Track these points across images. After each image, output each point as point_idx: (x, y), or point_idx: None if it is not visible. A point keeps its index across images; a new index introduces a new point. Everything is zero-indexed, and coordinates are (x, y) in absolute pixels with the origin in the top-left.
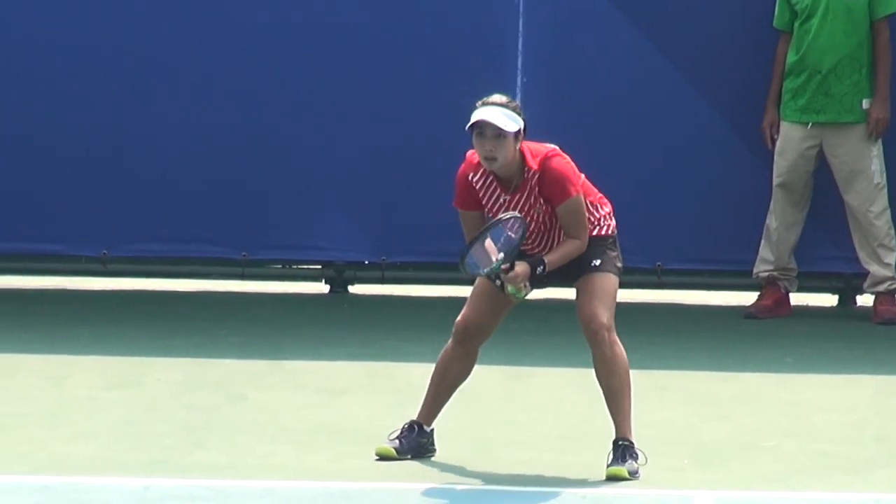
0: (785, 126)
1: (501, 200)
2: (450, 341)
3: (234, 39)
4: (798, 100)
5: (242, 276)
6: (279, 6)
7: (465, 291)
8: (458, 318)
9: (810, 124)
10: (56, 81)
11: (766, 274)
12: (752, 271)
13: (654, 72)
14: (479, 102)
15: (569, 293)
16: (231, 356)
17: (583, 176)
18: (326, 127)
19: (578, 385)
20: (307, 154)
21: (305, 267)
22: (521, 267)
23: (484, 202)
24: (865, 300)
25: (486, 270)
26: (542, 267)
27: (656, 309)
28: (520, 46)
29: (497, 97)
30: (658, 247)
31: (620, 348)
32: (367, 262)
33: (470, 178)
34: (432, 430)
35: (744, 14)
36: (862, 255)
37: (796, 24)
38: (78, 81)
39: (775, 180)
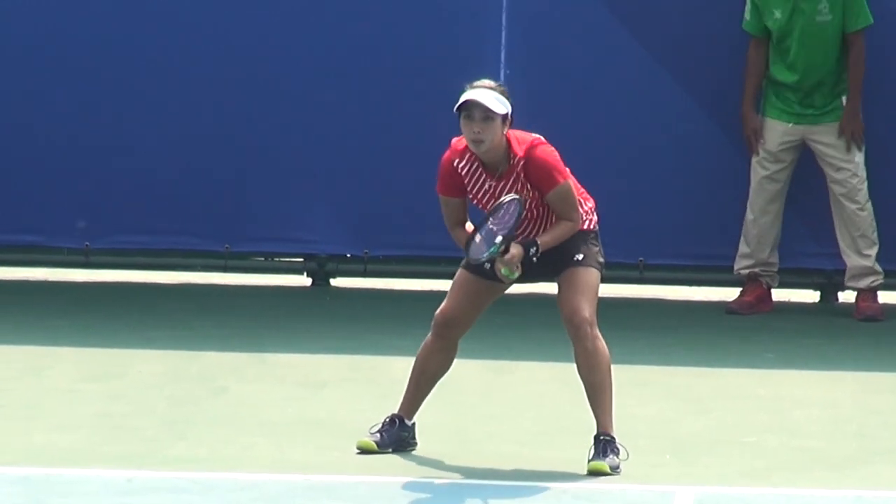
0: (767, 122)
1: (487, 186)
2: (430, 334)
3: (215, 33)
4: (780, 102)
5: (225, 269)
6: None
7: (447, 285)
8: (438, 310)
9: (792, 124)
10: (38, 74)
11: (748, 270)
12: (733, 267)
13: (638, 67)
14: (468, 86)
15: (549, 288)
16: (213, 349)
17: (567, 171)
18: (309, 120)
19: (560, 380)
20: (289, 147)
21: (287, 260)
22: (515, 249)
23: (469, 189)
24: (847, 297)
25: (485, 255)
26: (535, 248)
27: (638, 304)
28: (503, 39)
29: (486, 81)
30: (640, 242)
31: (602, 343)
32: (349, 255)
33: (455, 163)
34: (413, 423)
35: (727, 10)
36: (842, 245)
37: (772, 41)
38: (60, 74)
39: (758, 174)
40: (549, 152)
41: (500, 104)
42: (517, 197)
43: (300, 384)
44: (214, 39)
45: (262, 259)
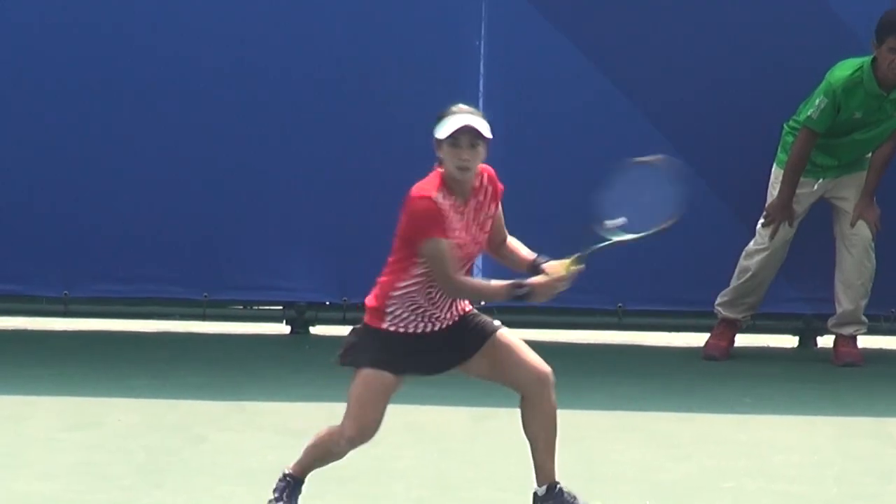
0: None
1: (460, 214)
2: (342, 441)
3: (193, 78)
4: (813, 161)
5: (203, 317)
6: (236, 48)
7: None
8: (355, 426)
9: (822, 179)
10: (14, 119)
11: (739, 316)
12: (712, 311)
13: (615, 110)
14: (448, 112)
15: (531, 335)
16: (191, 397)
17: None
18: (287, 167)
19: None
20: (268, 194)
21: (266, 308)
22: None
23: (451, 225)
24: (826, 342)
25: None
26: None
27: (618, 350)
28: (481, 87)
29: (464, 105)
30: (619, 288)
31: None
32: (328, 303)
33: (438, 202)
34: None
35: (701, 42)
36: (838, 291)
37: (837, 130)
38: (37, 119)
39: (780, 236)
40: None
41: (486, 129)
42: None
43: (279, 432)
44: (193, 84)
45: (241, 307)
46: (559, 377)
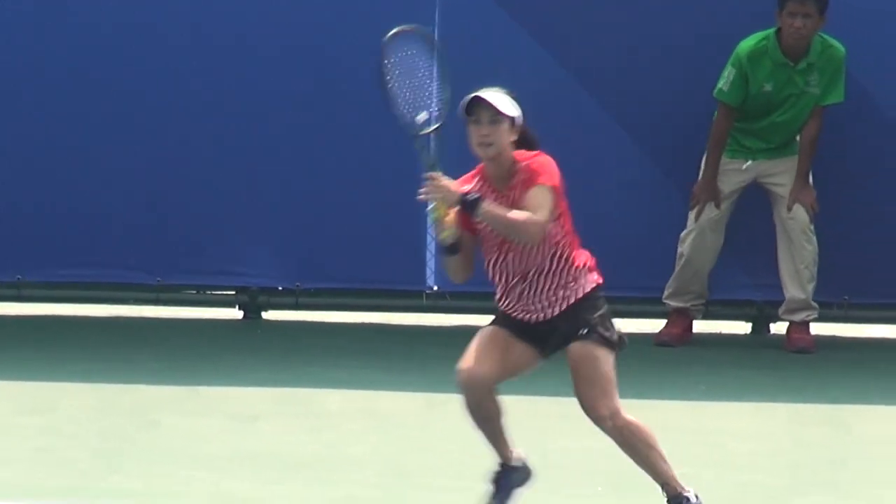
0: (722, 161)
1: (500, 201)
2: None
3: (155, 63)
4: (735, 143)
5: (157, 302)
6: (192, 28)
7: (379, 317)
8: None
9: (749, 160)
10: None
11: (681, 305)
12: (660, 298)
13: (570, 99)
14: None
15: (482, 321)
16: (146, 382)
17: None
18: (241, 152)
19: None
20: (222, 179)
21: (220, 293)
22: (449, 181)
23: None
24: (778, 328)
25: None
26: (476, 201)
27: None
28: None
29: (493, 88)
30: None
31: (631, 427)
32: (280, 288)
33: (472, 185)
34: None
35: (652, 34)
36: (783, 279)
37: (747, 108)
38: None
39: (706, 216)
40: (550, 160)
41: (509, 106)
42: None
43: (234, 417)
44: (152, 69)
45: (195, 292)
46: None
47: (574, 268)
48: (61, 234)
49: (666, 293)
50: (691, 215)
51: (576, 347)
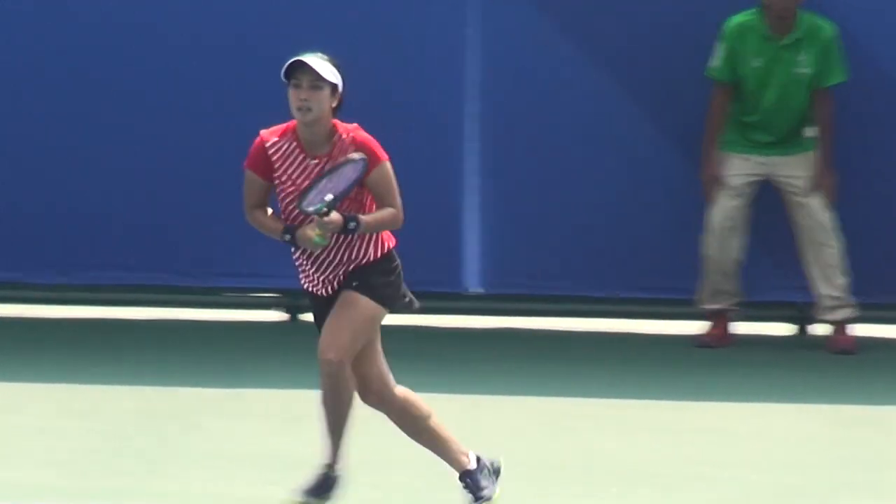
0: (730, 157)
1: (305, 165)
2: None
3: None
4: (744, 138)
5: (199, 305)
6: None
7: (420, 320)
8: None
9: (757, 156)
10: None
11: (725, 305)
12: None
13: (604, 100)
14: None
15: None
16: (188, 384)
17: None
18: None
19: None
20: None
21: (263, 295)
22: (335, 215)
23: (281, 169)
24: (821, 330)
25: (312, 208)
26: (355, 223)
27: (611, 338)
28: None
29: (317, 53)
30: (613, 276)
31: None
32: None
33: (269, 143)
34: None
35: (683, 28)
36: (811, 276)
37: (744, 88)
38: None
39: (721, 211)
40: (370, 136)
41: (330, 73)
42: (364, 157)
43: (277, 419)
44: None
45: (237, 294)
46: (553, 364)
47: (373, 237)
48: (104, 237)
49: (700, 297)
50: (707, 216)
51: (344, 294)
